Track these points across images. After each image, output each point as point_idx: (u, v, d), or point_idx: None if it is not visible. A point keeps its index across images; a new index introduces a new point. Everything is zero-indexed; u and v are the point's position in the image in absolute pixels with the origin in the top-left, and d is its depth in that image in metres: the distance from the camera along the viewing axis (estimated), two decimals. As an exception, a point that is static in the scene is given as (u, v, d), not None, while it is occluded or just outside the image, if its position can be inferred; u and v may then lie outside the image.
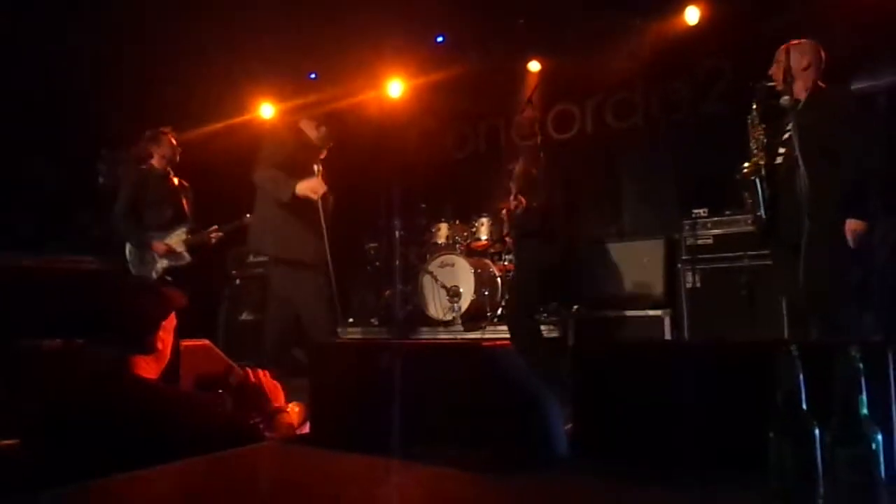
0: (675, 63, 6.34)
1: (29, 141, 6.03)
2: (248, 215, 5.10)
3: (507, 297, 6.00)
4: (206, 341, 3.16)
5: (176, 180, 5.20)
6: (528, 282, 5.14)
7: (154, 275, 4.98)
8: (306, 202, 4.52)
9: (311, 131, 4.76)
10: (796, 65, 3.54)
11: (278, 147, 4.64)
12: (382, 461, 1.71)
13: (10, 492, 1.63)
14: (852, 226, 3.34)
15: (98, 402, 1.87)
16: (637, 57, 6.18)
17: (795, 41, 3.61)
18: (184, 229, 5.07)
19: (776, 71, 3.58)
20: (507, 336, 5.33)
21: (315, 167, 4.41)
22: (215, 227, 5.15)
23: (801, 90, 3.55)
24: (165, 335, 2.11)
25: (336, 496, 1.51)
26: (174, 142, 5.14)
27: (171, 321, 2.15)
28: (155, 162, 5.08)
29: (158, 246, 4.94)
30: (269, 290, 4.79)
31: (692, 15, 6.01)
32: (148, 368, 2.04)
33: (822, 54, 3.58)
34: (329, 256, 4.55)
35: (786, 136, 3.49)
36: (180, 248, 5.01)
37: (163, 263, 4.97)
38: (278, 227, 4.53)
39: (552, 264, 4.99)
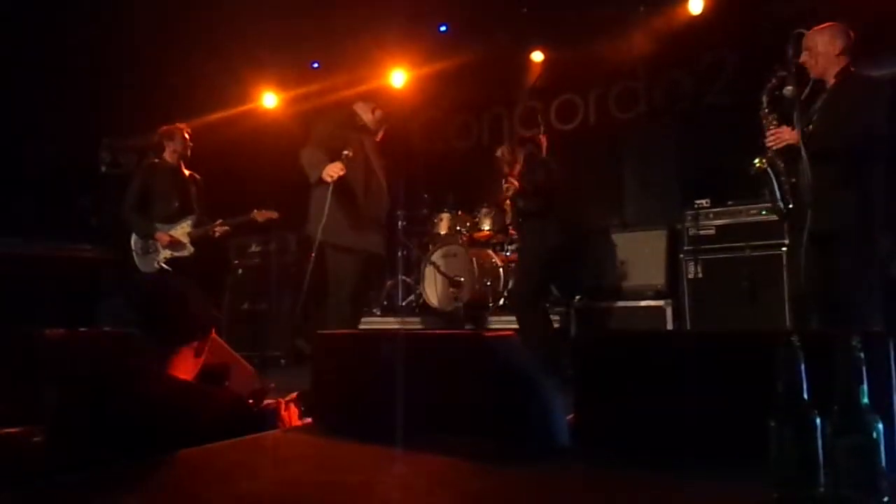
0: (678, 54, 6.31)
1: (30, 127, 6.03)
2: (255, 210, 5.18)
3: (511, 285, 6.01)
4: (209, 331, 3.17)
5: (187, 173, 5.29)
6: (532, 267, 5.13)
7: (156, 265, 5.07)
8: (362, 191, 4.51)
9: (365, 114, 4.70)
10: (823, 49, 3.48)
11: (326, 130, 4.58)
12: (384, 450, 1.72)
13: (33, 476, 1.64)
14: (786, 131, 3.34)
15: (134, 395, 1.92)
16: (640, 47, 6.15)
17: (823, 25, 3.53)
18: (189, 221, 5.16)
19: (806, 58, 3.51)
20: (510, 326, 5.33)
21: (344, 152, 4.34)
22: (220, 220, 5.20)
23: (830, 76, 3.48)
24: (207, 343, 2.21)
25: (338, 484, 1.52)
26: (187, 137, 5.24)
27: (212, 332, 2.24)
28: (167, 155, 5.20)
29: (162, 236, 5.05)
30: (329, 276, 4.65)
31: (696, 5, 5.98)
32: (185, 371, 2.09)
33: (851, 37, 3.49)
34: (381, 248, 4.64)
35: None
36: (184, 240, 5.11)
37: (165, 254, 5.08)
38: (332, 214, 4.40)
39: (555, 248, 4.95)
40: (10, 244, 5.46)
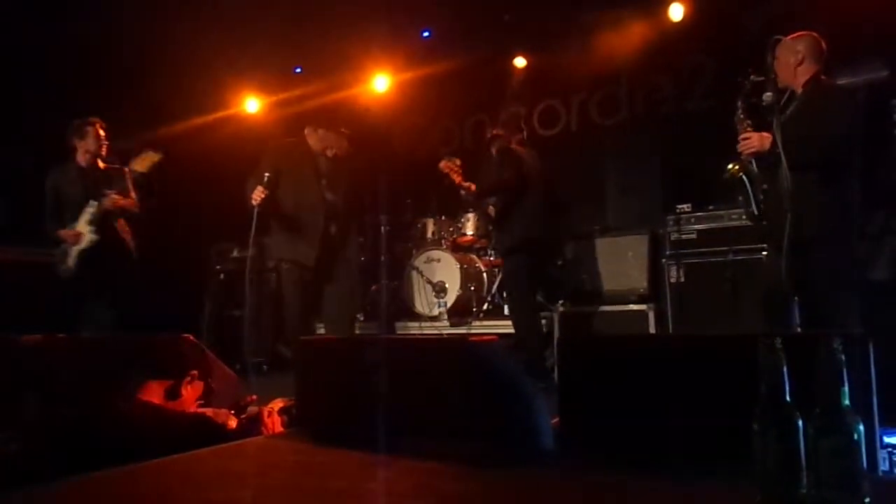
0: (659, 59, 6.36)
1: (6, 130, 5.96)
2: (132, 160, 4.80)
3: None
4: (189, 336, 3.14)
5: (103, 166, 4.87)
6: (515, 270, 5.15)
7: (71, 264, 4.72)
8: (292, 208, 4.61)
9: (310, 137, 4.74)
10: (786, 60, 3.52)
11: (270, 158, 4.64)
12: (368, 455, 1.71)
13: (9, 485, 1.62)
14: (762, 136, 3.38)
15: (112, 411, 1.93)
16: (622, 53, 6.19)
17: (791, 35, 3.57)
18: (89, 209, 4.72)
19: (775, 68, 3.54)
20: (494, 331, 5.33)
21: (265, 175, 4.41)
22: (104, 191, 4.72)
23: (797, 85, 3.52)
24: (194, 390, 2.27)
25: (321, 490, 1.51)
26: (101, 133, 4.84)
27: (197, 387, 2.30)
28: (79, 157, 4.82)
29: (66, 234, 4.71)
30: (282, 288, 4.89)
31: (676, 12, 6.04)
32: (156, 396, 2.10)
33: (820, 46, 3.53)
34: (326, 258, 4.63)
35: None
36: (84, 230, 4.72)
37: (74, 252, 4.72)
38: (275, 231, 4.72)
39: (533, 245, 4.92)
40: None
